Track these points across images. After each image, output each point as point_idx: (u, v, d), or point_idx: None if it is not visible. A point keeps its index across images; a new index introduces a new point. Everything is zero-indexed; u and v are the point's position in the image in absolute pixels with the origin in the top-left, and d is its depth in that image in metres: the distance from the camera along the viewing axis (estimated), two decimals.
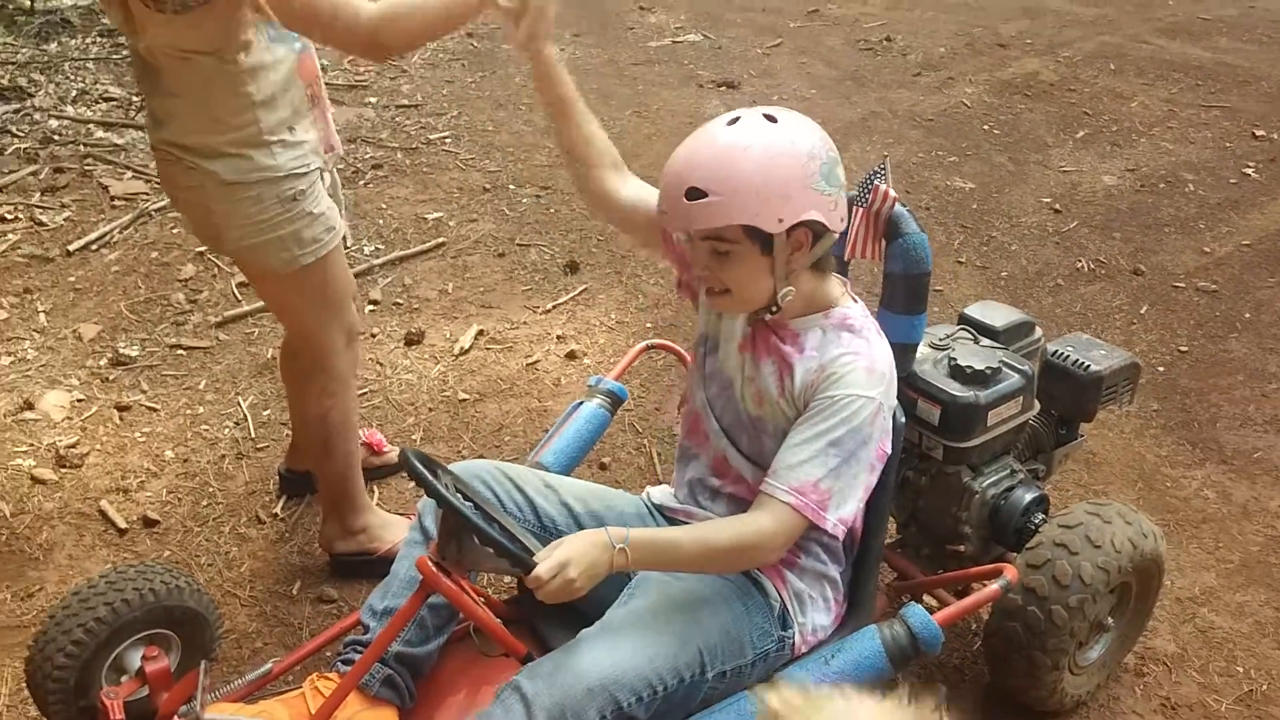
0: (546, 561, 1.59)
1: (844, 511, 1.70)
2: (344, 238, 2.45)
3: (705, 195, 1.61)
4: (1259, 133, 5.46)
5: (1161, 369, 3.51)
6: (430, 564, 1.75)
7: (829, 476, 1.67)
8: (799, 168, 1.64)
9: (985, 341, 2.26)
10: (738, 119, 1.67)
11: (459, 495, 1.74)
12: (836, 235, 1.74)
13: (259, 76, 2.03)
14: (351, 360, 2.45)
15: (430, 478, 1.68)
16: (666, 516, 2.05)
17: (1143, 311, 3.87)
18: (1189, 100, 5.93)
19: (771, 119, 1.67)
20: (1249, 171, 5.03)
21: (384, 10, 1.96)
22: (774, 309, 1.75)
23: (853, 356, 1.71)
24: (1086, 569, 2.02)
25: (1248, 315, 3.84)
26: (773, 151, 1.64)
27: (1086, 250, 4.31)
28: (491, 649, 1.85)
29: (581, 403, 2.36)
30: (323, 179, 2.27)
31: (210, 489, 2.90)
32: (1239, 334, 3.72)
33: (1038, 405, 2.25)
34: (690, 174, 1.63)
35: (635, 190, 1.97)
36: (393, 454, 2.93)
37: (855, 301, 1.82)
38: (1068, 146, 5.31)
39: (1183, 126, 5.57)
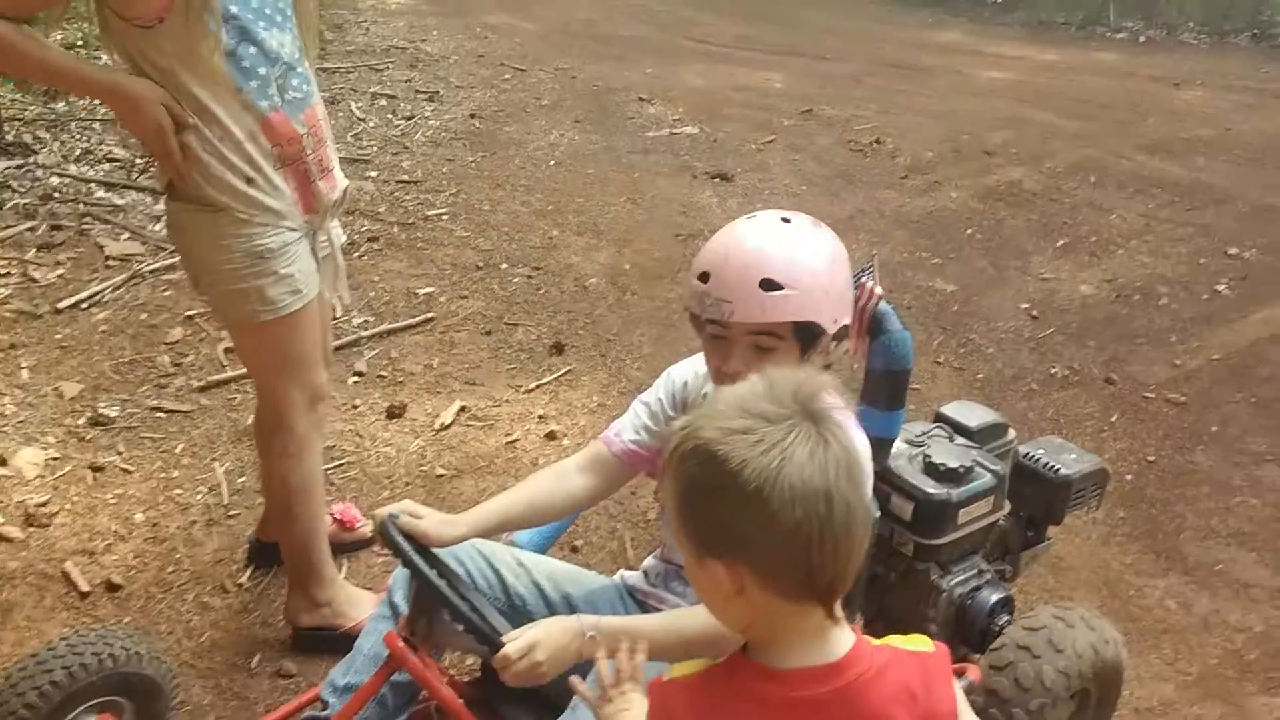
0: (515, 642, 1.60)
1: None
2: (334, 306, 2.49)
3: (782, 288, 1.65)
4: (1232, 250, 5.60)
5: (1130, 477, 3.56)
6: (399, 639, 1.76)
7: None
8: (848, 273, 1.77)
9: (960, 440, 2.30)
10: (788, 219, 1.74)
11: (433, 569, 1.76)
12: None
13: (211, 122, 2.09)
14: (314, 424, 2.44)
15: (407, 548, 1.70)
16: (638, 600, 2.06)
17: (1113, 420, 3.93)
18: (1166, 215, 6.09)
19: (816, 224, 1.77)
20: (1221, 288, 5.15)
21: None
22: None
23: None
24: (1048, 673, 2.04)
25: (1215, 428, 3.91)
26: (835, 255, 1.74)
27: (1061, 357, 4.39)
28: None
29: None
30: (312, 242, 2.32)
31: (177, 555, 2.89)
32: (1206, 446, 3.79)
33: (1008, 505, 2.30)
34: (764, 266, 1.66)
35: (584, 472, 1.99)
36: (365, 529, 2.91)
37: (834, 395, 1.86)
38: (1047, 254, 5.43)
39: (1159, 241, 5.71)
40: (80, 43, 6.79)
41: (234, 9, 2.06)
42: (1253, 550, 3.23)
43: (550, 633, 1.63)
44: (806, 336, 1.71)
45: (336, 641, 2.41)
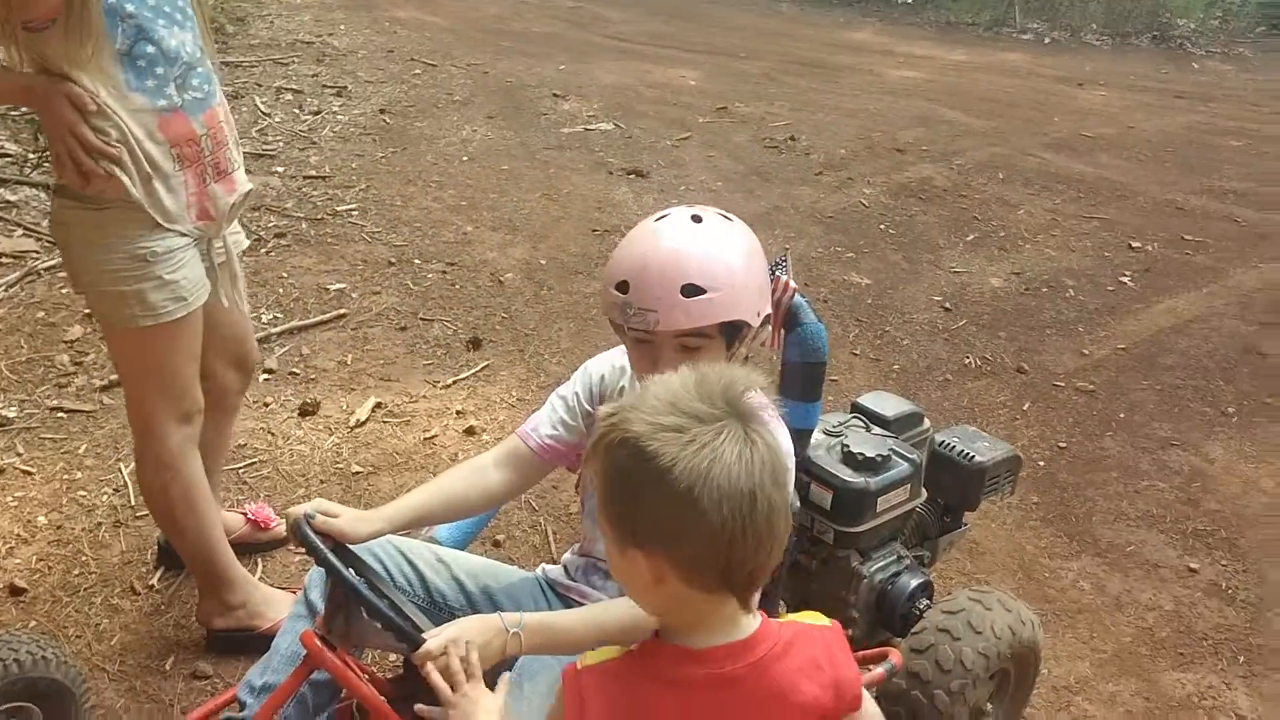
0: (436, 639, 1.56)
1: None
2: (245, 311, 2.41)
3: (704, 292, 1.63)
4: (1135, 244, 5.78)
5: (1042, 463, 3.64)
6: (315, 638, 1.71)
7: None
8: (764, 262, 1.76)
9: (877, 430, 2.33)
10: (700, 218, 1.72)
11: (350, 568, 1.71)
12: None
13: (106, 122, 2.02)
14: (189, 437, 2.33)
15: (321, 547, 1.66)
16: (559, 594, 2.04)
17: (1025, 408, 4.02)
18: (1071, 211, 6.25)
19: (727, 218, 1.75)
20: (1125, 280, 5.31)
21: None
22: None
23: None
24: (968, 654, 2.07)
25: (1122, 415, 4.02)
26: (750, 249, 1.73)
27: (974, 348, 4.47)
28: None
29: None
30: (205, 248, 2.24)
31: (84, 557, 2.79)
32: (1114, 433, 3.89)
33: (925, 493, 2.32)
34: (684, 271, 1.64)
35: (501, 467, 1.96)
36: (280, 528, 2.84)
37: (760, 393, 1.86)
38: (958, 249, 5.54)
39: (1065, 235, 5.86)
40: None
41: (130, 7, 2.00)
42: (1161, 532, 3.33)
43: (473, 630, 1.59)
44: (732, 332, 1.71)
45: (254, 642, 2.35)
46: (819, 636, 1.32)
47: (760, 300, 1.74)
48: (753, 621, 1.26)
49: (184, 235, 2.15)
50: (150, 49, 2.04)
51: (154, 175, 2.08)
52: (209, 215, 2.20)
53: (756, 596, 1.28)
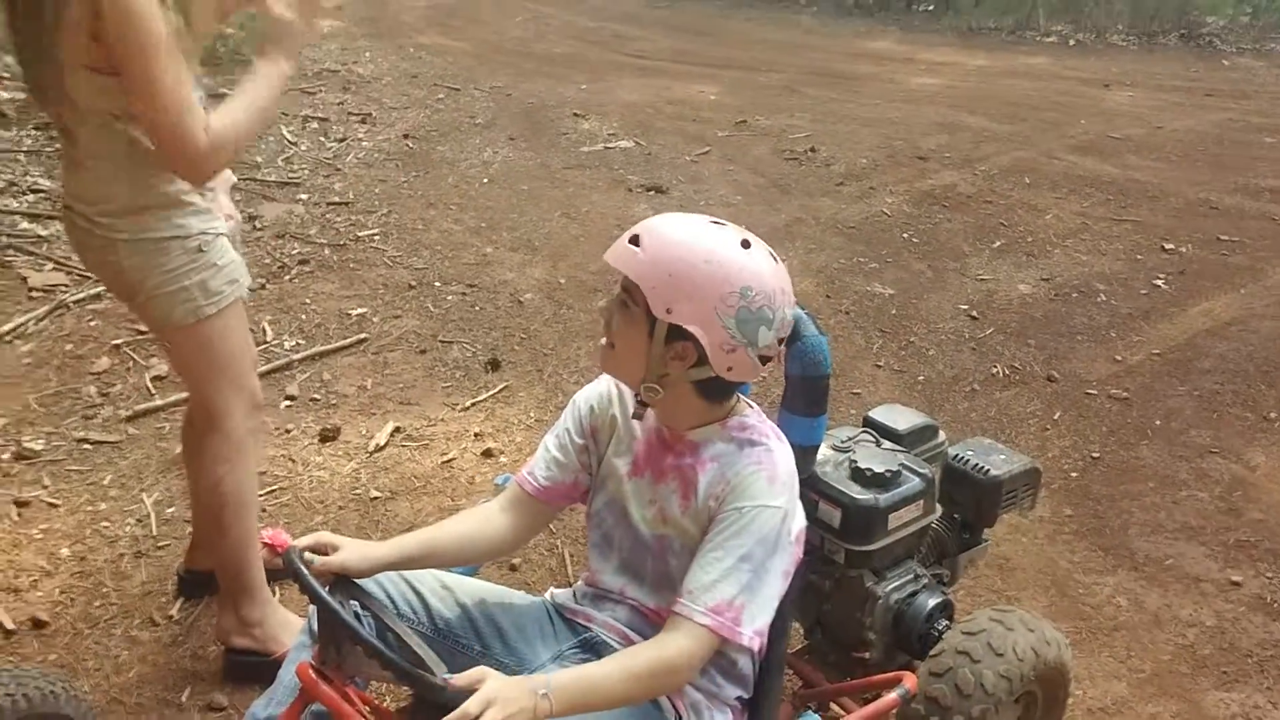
0: (475, 700, 1.52)
1: (758, 624, 1.67)
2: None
3: (639, 248, 1.62)
4: (1168, 246, 5.68)
5: (1075, 475, 3.56)
6: (310, 669, 1.69)
7: (743, 592, 1.65)
8: (717, 288, 1.61)
9: (887, 445, 2.27)
10: (724, 225, 1.68)
11: (352, 599, 1.69)
12: (720, 376, 1.67)
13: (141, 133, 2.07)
14: (252, 430, 2.42)
15: (309, 578, 1.63)
16: (565, 618, 2.01)
17: (1056, 417, 3.94)
18: (1101, 214, 6.16)
19: (747, 244, 1.66)
20: (1159, 283, 5.21)
21: (218, 136, 2.02)
22: (639, 400, 1.74)
23: (756, 466, 1.71)
24: (989, 677, 2.00)
25: (1158, 423, 3.93)
26: (711, 258, 1.62)
27: (1002, 356, 4.40)
28: None
29: (489, 501, 2.32)
30: (233, 243, 2.33)
31: (105, 589, 2.79)
32: (1150, 441, 3.80)
33: (939, 509, 2.26)
34: (646, 228, 1.65)
35: (507, 512, 1.95)
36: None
37: (751, 408, 1.82)
38: (984, 256, 5.46)
39: (1095, 239, 5.77)
40: None
41: None
42: (1201, 544, 3.24)
43: (507, 692, 1.55)
44: (650, 317, 1.64)
45: (266, 668, 2.33)
46: None
47: (677, 301, 1.61)
48: None
49: (217, 220, 2.25)
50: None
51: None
52: (231, 216, 2.37)
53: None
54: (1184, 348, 4.56)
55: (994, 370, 4.28)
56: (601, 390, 1.92)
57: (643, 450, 1.84)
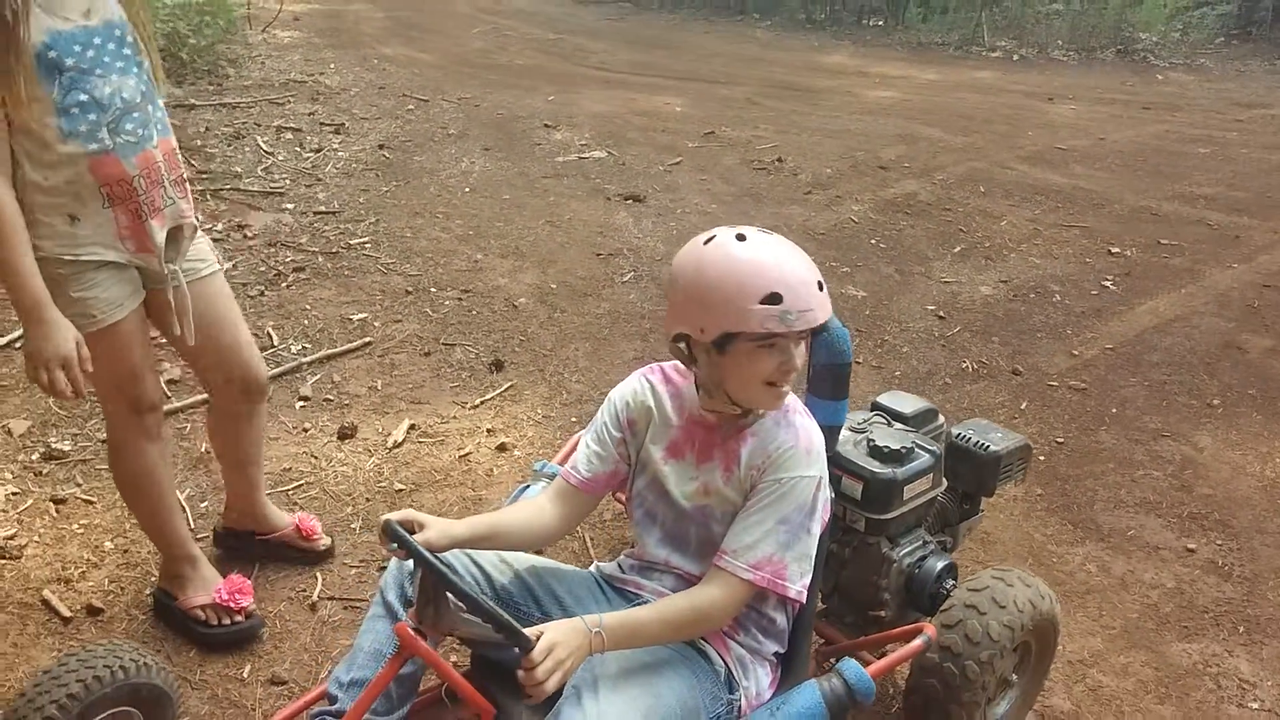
0: (539, 647, 1.74)
1: (805, 579, 1.92)
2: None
3: (823, 286, 1.85)
4: (1114, 250, 6.02)
5: (1043, 458, 3.85)
6: (408, 629, 1.88)
7: (780, 549, 1.89)
8: None
9: (898, 425, 2.52)
10: (744, 235, 1.87)
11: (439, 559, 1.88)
12: None
13: (34, 157, 2.16)
14: (141, 429, 2.52)
15: (418, 545, 1.83)
16: (615, 587, 2.21)
17: (1023, 407, 4.23)
18: (1051, 220, 6.50)
19: (765, 232, 1.92)
20: (1108, 284, 5.55)
21: None
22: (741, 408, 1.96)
23: (794, 441, 1.95)
24: (994, 627, 2.25)
25: (1114, 410, 4.23)
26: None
27: (970, 352, 4.69)
28: (462, 710, 1.97)
29: (528, 485, 2.53)
30: (146, 279, 2.40)
31: (153, 578, 2.91)
32: (1108, 427, 4.11)
33: (945, 482, 2.52)
34: (811, 273, 1.84)
35: (554, 503, 2.14)
36: (322, 541, 3.02)
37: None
38: (947, 260, 5.76)
39: (1047, 244, 6.10)
40: None
41: (70, 60, 2.15)
42: (1159, 516, 3.53)
43: (565, 633, 1.77)
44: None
45: (249, 635, 2.72)
46: None
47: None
48: None
49: (101, 259, 2.29)
50: (83, 97, 2.17)
51: (81, 213, 2.24)
52: (147, 248, 2.36)
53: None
54: (1133, 342, 4.88)
55: (964, 365, 4.57)
56: (635, 387, 2.13)
57: (682, 435, 2.05)
